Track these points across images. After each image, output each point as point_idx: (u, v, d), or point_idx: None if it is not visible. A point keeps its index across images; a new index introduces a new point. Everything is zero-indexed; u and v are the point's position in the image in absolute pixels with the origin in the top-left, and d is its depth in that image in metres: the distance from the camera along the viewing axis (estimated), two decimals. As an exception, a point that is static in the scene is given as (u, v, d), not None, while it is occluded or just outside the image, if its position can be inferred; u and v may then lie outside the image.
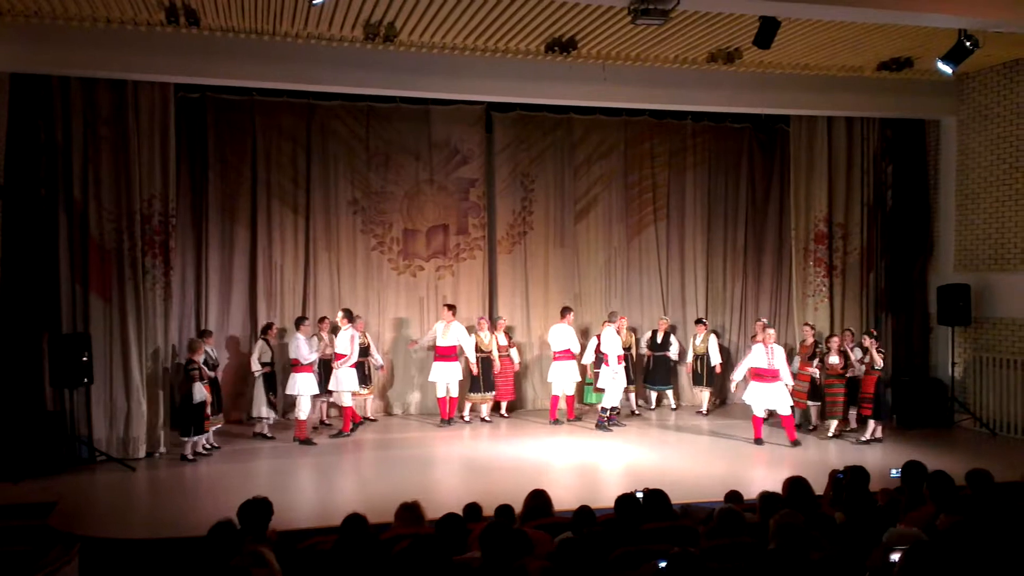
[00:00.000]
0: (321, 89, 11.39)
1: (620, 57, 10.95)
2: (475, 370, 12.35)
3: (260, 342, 11.35)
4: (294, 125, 12.55)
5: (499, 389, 12.71)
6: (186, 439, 10.15)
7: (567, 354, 12.35)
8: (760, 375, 10.97)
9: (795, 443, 10.80)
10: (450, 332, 12.22)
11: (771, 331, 11.08)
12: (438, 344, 12.23)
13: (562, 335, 12.40)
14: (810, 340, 11.90)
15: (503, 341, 12.68)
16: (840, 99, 12.07)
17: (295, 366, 11.05)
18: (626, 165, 13.96)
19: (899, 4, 8.39)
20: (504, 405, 12.93)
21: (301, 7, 9.10)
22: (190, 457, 10.12)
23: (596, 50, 10.68)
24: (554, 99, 11.92)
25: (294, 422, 11.12)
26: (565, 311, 12.55)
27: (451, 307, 12.38)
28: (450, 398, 12.41)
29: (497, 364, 12.52)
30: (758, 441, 10.97)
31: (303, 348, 11.00)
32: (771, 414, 11.38)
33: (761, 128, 14.22)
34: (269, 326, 11.57)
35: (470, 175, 13.29)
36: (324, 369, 11.88)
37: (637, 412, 13.11)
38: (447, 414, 12.31)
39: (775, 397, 10.89)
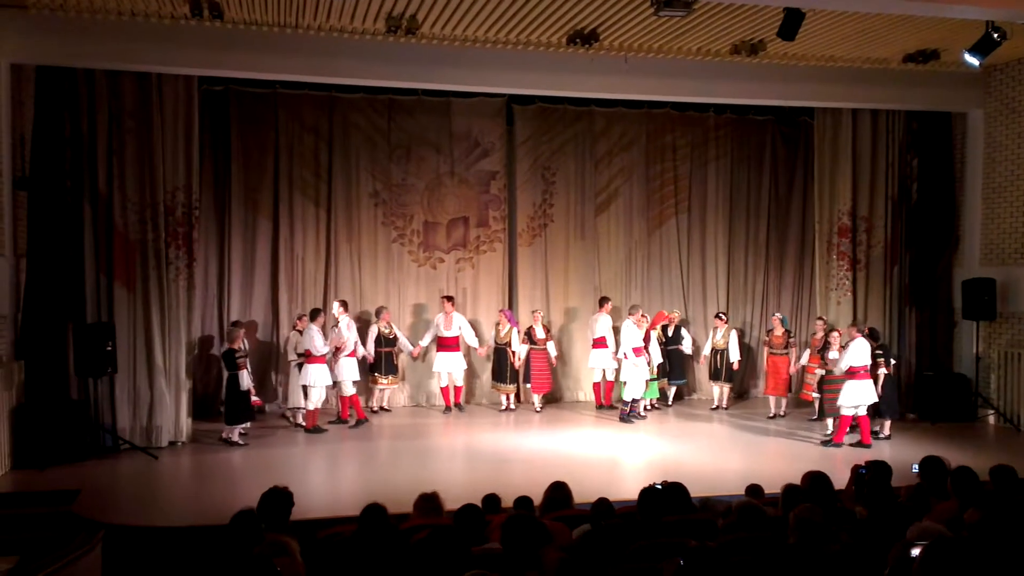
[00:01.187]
0: (343, 82, 11.44)
1: (642, 49, 10.89)
2: (482, 353, 12.79)
3: (294, 332, 11.48)
4: (316, 118, 12.59)
5: (534, 382, 12.79)
6: (232, 426, 10.43)
7: (603, 342, 12.50)
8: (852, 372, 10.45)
9: (857, 445, 10.29)
10: (452, 323, 12.41)
11: (852, 328, 10.73)
12: (440, 335, 12.43)
13: (600, 324, 12.61)
14: (820, 334, 11.83)
15: (541, 334, 12.75)
16: (865, 91, 11.94)
17: (308, 357, 11.09)
18: (647, 158, 13.89)
19: (926, -5, 8.31)
20: (538, 398, 12.90)
21: (324, 0, 9.12)
22: (240, 442, 10.41)
23: (618, 42, 10.63)
24: (575, 91, 11.88)
25: (304, 413, 11.25)
26: (603, 301, 12.70)
27: (450, 298, 12.60)
28: (455, 387, 12.67)
29: (514, 356, 12.64)
30: (837, 444, 10.39)
31: (317, 340, 11.07)
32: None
33: (784, 121, 14.09)
34: (301, 316, 11.69)
35: (491, 168, 13.29)
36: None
37: (657, 406, 13.04)
38: (450, 402, 12.66)
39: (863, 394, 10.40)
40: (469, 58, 10.73)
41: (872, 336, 11.08)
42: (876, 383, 10.57)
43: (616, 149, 13.78)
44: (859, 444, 10.35)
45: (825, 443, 10.52)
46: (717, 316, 13.13)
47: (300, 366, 11.27)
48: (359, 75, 10.87)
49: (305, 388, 11.19)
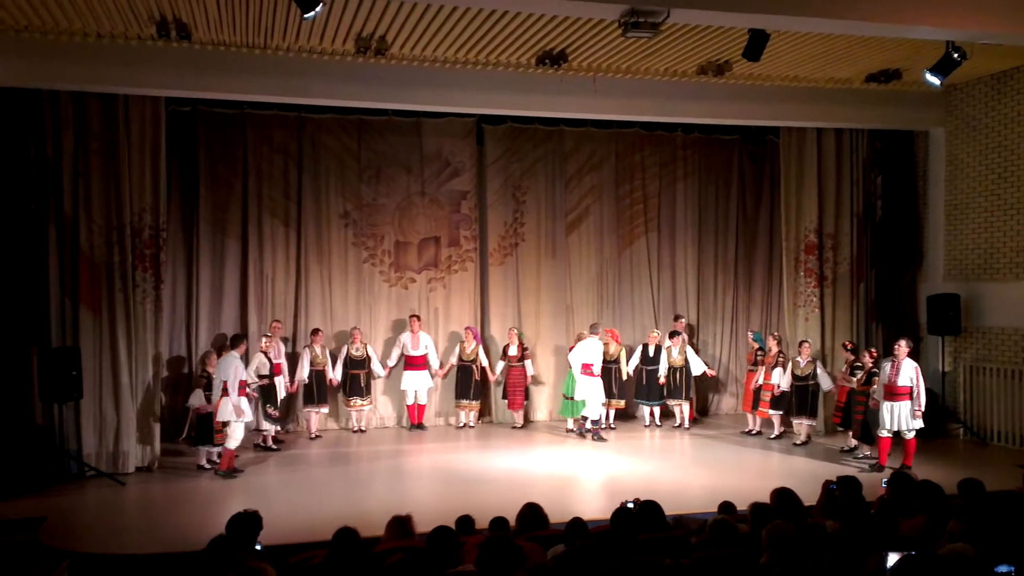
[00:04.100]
0: (313, 102, 11.39)
1: (611, 69, 10.99)
2: (442, 374, 12.84)
3: (259, 355, 11.22)
4: (285, 138, 12.56)
5: (509, 399, 12.88)
6: (200, 448, 10.26)
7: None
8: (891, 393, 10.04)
9: (907, 468, 9.61)
10: (419, 342, 12.53)
11: (904, 346, 10.11)
12: (407, 354, 12.50)
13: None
14: (775, 350, 11.96)
15: (514, 352, 12.80)
16: (829, 110, 12.13)
17: (226, 390, 9.93)
18: (617, 177, 14.00)
19: (887, 17, 8.45)
20: (516, 415, 13.00)
21: (293, 21, 9.11)
22: (206, 466, 10.19)
23: (587, 63, 10.72)
24: (545, 111, 11.97)
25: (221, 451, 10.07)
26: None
27: (417, 316, 12.67)
28: (419, 405, 12.74)
29: (479, 373, 12.78)
30: (879, 467, 9.97)
31: (232, 369, 9.99)
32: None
33: (751, 140, 14.28)
34: (264, 336, 11.53)
35: (461, 187, 13.32)
36: (318, 381, 11.93)
37: (613, 427, 12.96)
38: (416, 419, 12.76)
39: (901, 416, 9.97)
40: (439, 79, 10.76)
41: (854, 353, 11.26)
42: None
43: (586, 168, 13.87)
44: (878, 467, 10.03)
45: (873, 468, 10.04)
46: (672, 334, 13.10)
47: (262, 389, 11.03)
48: (329, 96, 10.84)
49: (222, 424, 10.00)
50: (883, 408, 10.06)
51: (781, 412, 11.91)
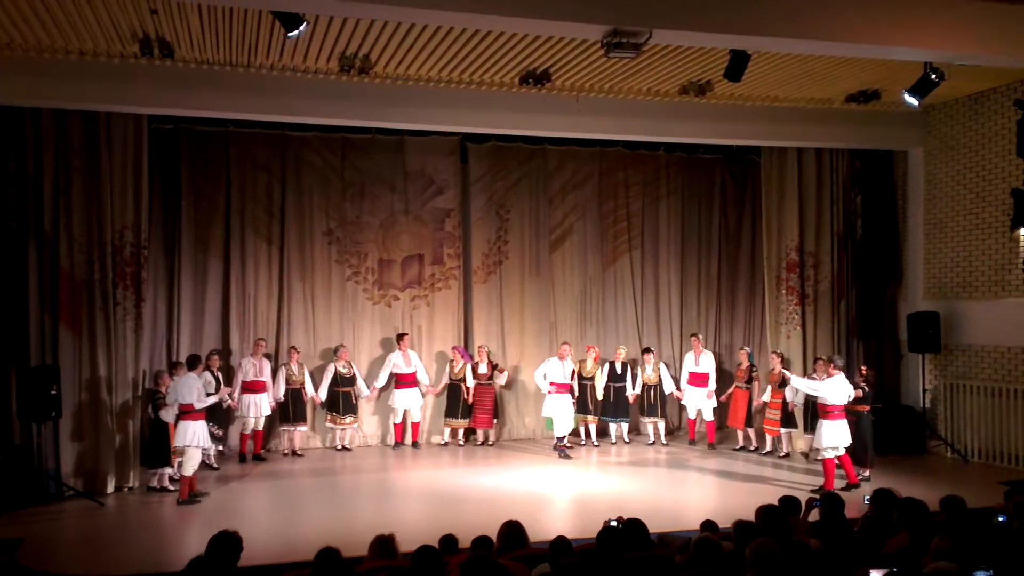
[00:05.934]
0: (296, 120, 11.39)
1: (594, 89, 11.06)
2: (436, 391, 12.87)
3: (205, 372, 10.82)
4: (269, 156, 12.54)
5: (476, 417, 12.81)
6: (155, 471, 10.12)
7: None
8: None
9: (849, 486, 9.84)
10: (409, 360, 12.56)
11: (831, 363, 10.24)
12: (399, 372, 12.50)
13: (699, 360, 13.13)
14: (778, 368, 11.99)
15: (483, 369, 12.78)
16: (810, 130, 12.25)
17: (185, 413, 9.66)
18: (600, 195, 14.06)
19: (866, 38, 8.56)
20: (484, 433, 12.98)
21: (276, 39, 9.12)
22: (158, 488, 10.05)
23: (570, 82, 10.79)
24: (529, 130, 12.00)
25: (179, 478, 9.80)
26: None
27: (404, 335, 12.68)
28: (412, 423, 12.74)
29: (468, 392, 12.77)
30: (853, 485, 9.90)
31: (195, 391, 9.74)
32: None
33: (732, 159, 14.38)
34: (212, 354, 11.40)
35: (445, 205, 13.33)
36: (294, 399, 11.87)
37: (596, 444, 12.96)
38: (401, 438, 12.74)
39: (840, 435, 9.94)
40: (423, 97, 10.79)
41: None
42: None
43: (569, 186, 13.93)
44: (848, 486, 9.89)
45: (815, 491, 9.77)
46: (645, 351, 13.16)
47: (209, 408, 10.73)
48: (312, 114, 10.84)
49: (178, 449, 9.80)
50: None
51: (791, 430, 11.95)
